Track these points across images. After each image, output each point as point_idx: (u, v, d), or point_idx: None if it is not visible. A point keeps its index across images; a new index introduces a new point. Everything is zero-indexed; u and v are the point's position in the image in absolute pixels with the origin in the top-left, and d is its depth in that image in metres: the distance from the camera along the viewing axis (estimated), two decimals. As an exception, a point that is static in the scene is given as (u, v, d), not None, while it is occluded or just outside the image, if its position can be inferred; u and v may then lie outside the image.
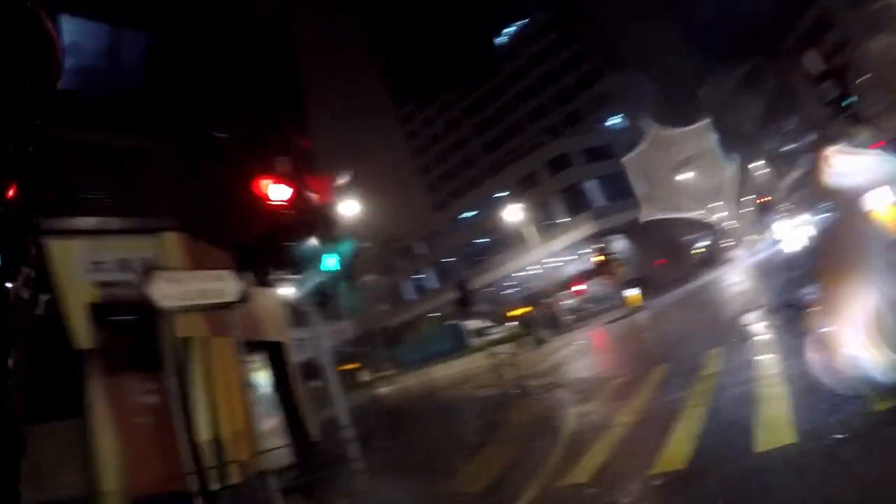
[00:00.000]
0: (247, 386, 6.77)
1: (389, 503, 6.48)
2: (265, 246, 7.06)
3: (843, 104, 10.49)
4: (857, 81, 32.99)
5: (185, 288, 5.99)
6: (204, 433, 6.11)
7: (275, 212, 7.63)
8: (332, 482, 6.85)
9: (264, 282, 8.48)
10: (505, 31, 79.46)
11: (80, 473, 5.69)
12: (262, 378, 8.20)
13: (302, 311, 9.52)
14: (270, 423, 7.65)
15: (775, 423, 4.97)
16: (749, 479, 4.17)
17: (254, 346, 7.41)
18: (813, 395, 5.24)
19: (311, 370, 9.40)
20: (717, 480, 4.43)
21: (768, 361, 7.33)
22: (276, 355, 8.42)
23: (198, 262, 6.92)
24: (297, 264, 8.84)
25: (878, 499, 3.28)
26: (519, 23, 78.02)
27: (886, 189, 5.70)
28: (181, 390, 5.96)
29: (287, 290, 9.51)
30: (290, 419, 7.88)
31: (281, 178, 7.68)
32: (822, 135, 41.72)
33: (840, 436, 4.15)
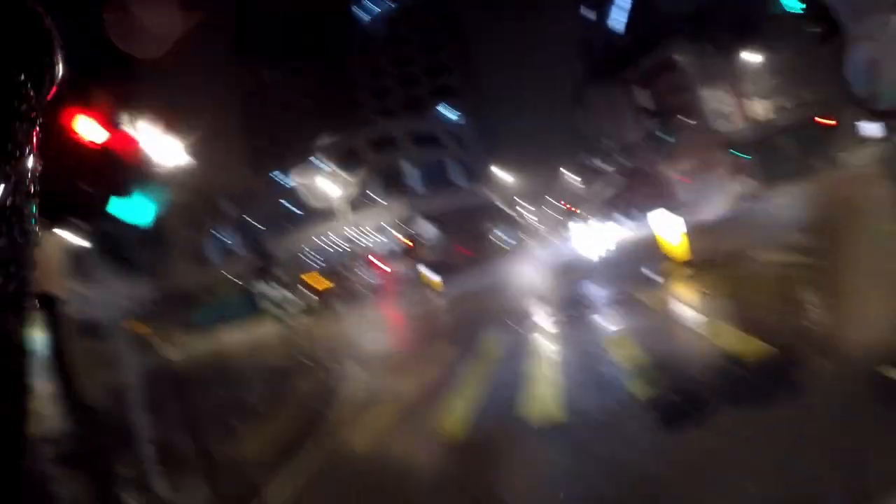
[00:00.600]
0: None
1: (172, 471, 6.17)
2: (64, 186, 6.22)
3: (659, 136, 12.10)
4: (674, 124, 38.28)
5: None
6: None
7: (83, 150, 6.74)
8: (112, 450, 6.32)
9: (52, 225, 7.45)
10: (368, 5, 77.64)
11: None
12: (36, 336, 7.21)
13: (90, 263, 8.53)
14: (44, 386, 6.77)
15: (548, 403, 5.64)
16: (519, 451, 4.80)
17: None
18: (584, 381, 6.09)
19: (94, 329, 8.47)
20: (490, 450, 5.03)
21: (547, 348, 8.24)
22: (51, 310, 7.45)
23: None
24: (97, 210, 7.89)
25: (623, 468, 3.87)
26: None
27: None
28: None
29: (75, 237, 8.43)
30: (62, 382, 7.04)
31: (94, 112, 6.80)
32: (635, 160, 47.55)
33: (601, 417, 4.86)
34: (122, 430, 5.90)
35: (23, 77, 0.67)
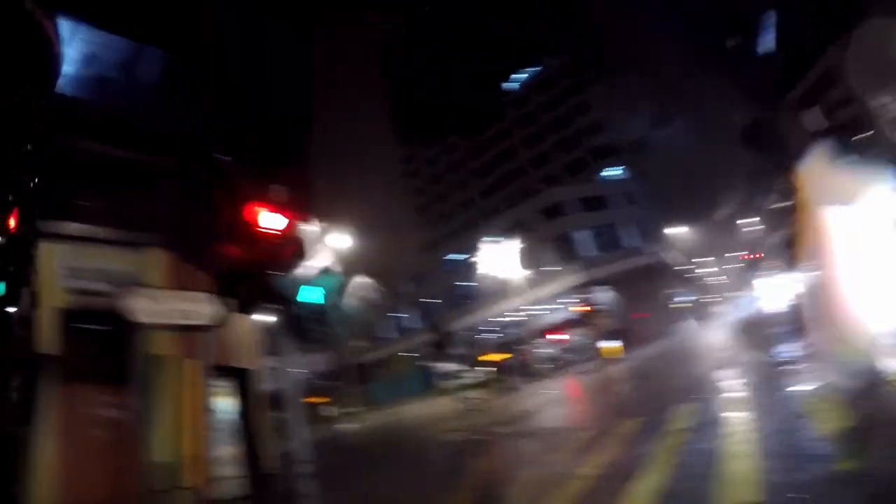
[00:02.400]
0: (209, 411, 6.72)
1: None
2: (249, 273, 7.11)
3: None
4: (852, 142, 34.28)
5: (161, 306, 6.00)
6: (159, 454, 6.03)
7: (263, 239, 7.69)
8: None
9: (243, 308, 8.49)
10: (515, 76, 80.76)
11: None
12: (227, 404, 8.12)
13: (276, 340, 9.49)
14: (229, 450, 7.54)
15: (741, 481, 5.02)
16: None
17: (222, 370, 7.37)
18: (780, 453, 5.33)
19: (277, 400, 9.32)
20: None
21: (740, 418, 7.40)
22: (243, 382, 8.37)
23: (179, 282, 6.95)
24: (279, 294, 8.86)
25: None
26: (531, 69, 79.43)
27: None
28: (144, 408, 5.91)
29: (265, 317, 9.50)
30: (248, 449, 7.78)
31: (274, 207, 7.77)
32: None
33: (804, 496, 4.22)
34: (294, 497, 6.28)
35: (24, 82, 0.80)
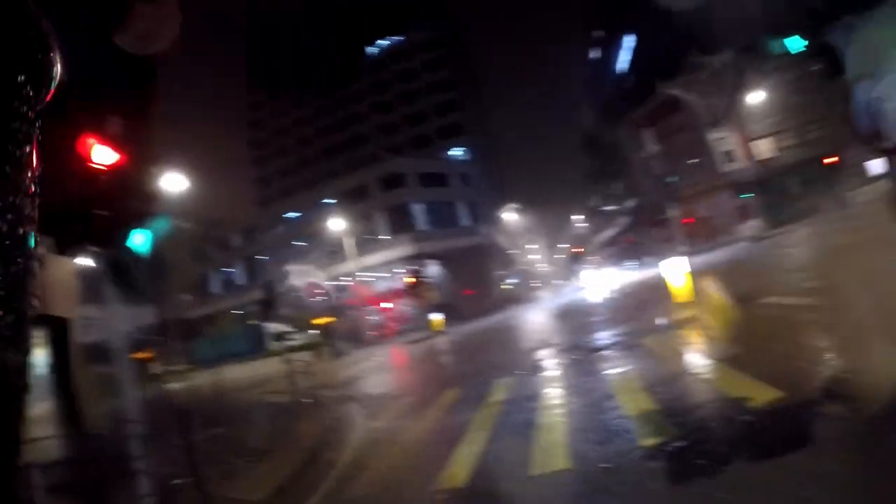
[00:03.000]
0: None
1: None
2: (74, 211, 6.30)
3: (665, 181, 12.24)
4: (680, 165, 38.76)
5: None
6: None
7: (94, 175, 6.84)
8: (107, 480, 6.20)
9: (61, 249, 7.51)
10: (378, 42, 79.24)
11: None
12: (39, 357, 7.17)
13: (97, 287, 8.54)
14: (41, 409, 6.70)
15: (553, 449, 5.50)
16: (521, 499, 4.61)
17: (35, 319, 6.49)
18: (588, 427, 5.95)
19: (97, 354, 8.44)
20: (492, 499, 4.85)
21: (553, 394, 8.04)
22: (58, 333, 7.44)
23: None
24: (105, 236, 7.96)
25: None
26: (393, 37, 78.38)
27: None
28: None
29: (84, 262, 8.48)
30: (65, 407, 6.97)
31: (109, 141, 6.93)
32: (642, 203, 47.89)
33: (607, 465, 4.68)
34: (120, 459, 5.80)
35: (22, 78, 0.69)
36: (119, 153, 7.20)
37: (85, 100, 7.50)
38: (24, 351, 0.62)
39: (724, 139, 41.54)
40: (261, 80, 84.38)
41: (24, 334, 0.62)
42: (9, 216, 0.61)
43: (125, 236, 8.22)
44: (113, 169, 7.21)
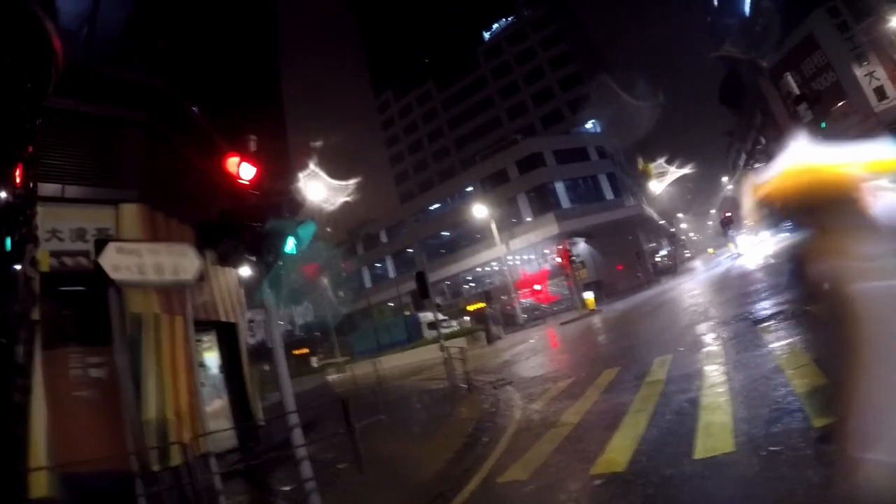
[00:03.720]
0: (196, 366, 6.66)
1: (329, 490, 6.49)
2: (228, 224, 6.94)
3: (820, 126, 10.89)
4: (833, 108, 34.45)
5: (140, 261, 5.84)
6: (149, 412, 5.98)
7: (241, 191, 7.49)
8: (275, 467, 6.80)
9: (223, 261, 8.32)
10: (493, 26, 79.12)
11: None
12: (212, 359, 8.05)
13: (256, 293, 9.37)
14: (216, 404, 7.53)
15: (716, 431, 5.11)
16: (686, 483, 4.28)
17: (206, 325, 7.28)
18: (754, 406, 5.45)
19: (260, 353, 9.28)
20: (655, 484, 4.54)
21: (715, 371, 7.50)
22: (227, 336, 8.29)
23: (157, 236, 6.78)
24: (259, 245, 8.69)
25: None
26: (506, 20, 77.86)
27: None
28: (129, 367, 5.82)
29: (244, 271, 9.35)
30: (236, 402, 7.77)
31: (250, 158, 7.54)
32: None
33: (775, 448, 4.28)
34: (286, 447, 6.31)
35: (24, 77, 0.69)
36: (260, 168, 7.84)
37: (222, 122, 8.24)
38: (22, 350, 0.63)
39: (872, 74, 35.87)
40: (384, 82, 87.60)
41: (21, 334, 0.63)
42: (7, 216, 0.62)
43: (278, 244, 8.95)
44: (257, 183, 7.87)
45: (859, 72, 36.33)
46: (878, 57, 35.59)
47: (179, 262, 6.25)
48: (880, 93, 35.75)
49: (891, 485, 3.06)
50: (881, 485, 3.10)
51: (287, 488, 6.53)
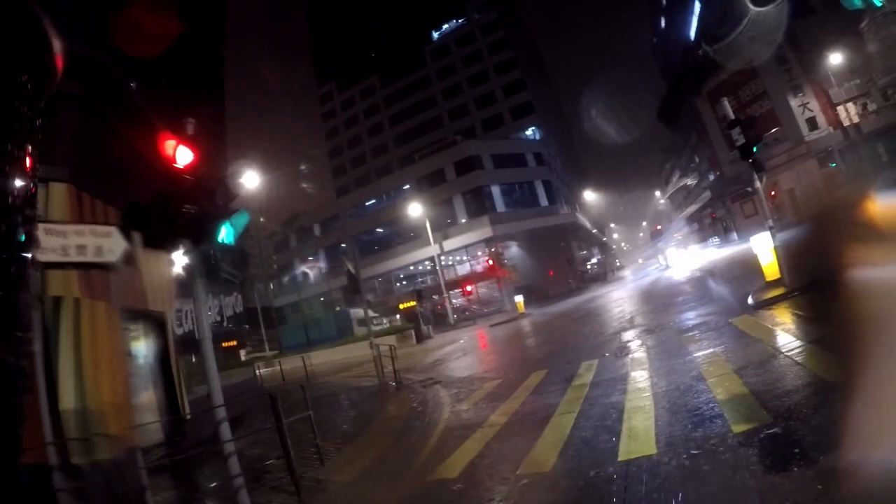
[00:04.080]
0: (124, 355, 6.35)
1: (258, 487, 6.36)
2: (160, 207, 6.65)
3: (752, 150, 11.46)
4: (766, 134, 36.38)
5: (65, 242, 5.51)
6: (69, 402, 5.65)
7: (176, 174, 7.20)
8: (202, 463, 6.59)
9: (153, 246, 7.96)
10: (443, 26, 79.16)
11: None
12: (140, 349, 7.70)
13: (185, 282, 9.04)
14: (143, 396, 7.20)
15: (639, 434, 5.34)
16: (609, 485, 4.44)
17: (134, 313, 6.95)
18: (677, 412, 5.71)
19: (188, 344, 8.94)
20: (579, 485, 4.71)
21: (639, 377, 7.80)
22: (156, 326, 7.94)
23: (84, 218, 6.41)
24: (191, 231, 8.38)
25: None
26: (456, 21, 78.12)
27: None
28: (45, 353, 5.48)
29: (175, 258, 8.98)
30: (163, 394, 7.45)
31: (187, 141, 7.26)
32: (723, 176, 45.57)
33: (696, 451, 4.50)
34: (213, 442, 6.12)
35: (23, 78, 0.67)
36: (197, 152, 7.56)
37: (160, 103, 7.90)
38: (20, 350, 0.61)
39: (806, 105, 38.53)
40: (329, 72, 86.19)
41: (18, 333, 0.61)
42: (7, 216, 0.60)
43: (211, 231, 8.65)
44: (194, 167, 7.58)
45: (794, 102, 38.80)
46: (813, 90, 38.12)
47: (104, 243, 5.94)
48: (812, 123, 38.31)
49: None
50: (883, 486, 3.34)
51: (215, 484, 6.34)
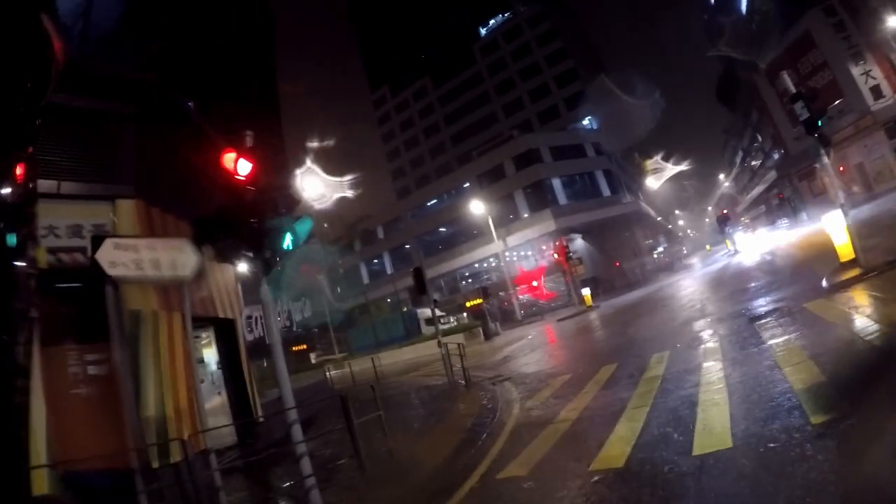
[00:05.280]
0: (194, 363, 6.63)
1: (327, 486, 6.48)
2: (225, 220, 6.91)
3: (817, 124, 10.83)
4: (829, 106, 34.36)
5: (137, 256, 5.79)
6: (147, 409, 5.95)
7: (238, 186, 7.45)
8: (274, 464, 6.78)
9: (221, 257, 8.29)
10: (489, 22, 78.99)
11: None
12: (210, 355, 8.02)
13: (254, 289, 9.34)
14: (216, 401, 7.50)
15: (714, 428, 5.12)
16: (684, 480, 4.29)
17: (204, 321, 7.24)
18: (752, 403, 5.44)
19: (258, 349, 9.25)
20: (653, 480, 4.54)
21: (712, 368, 7.50)
22: (226, 332, 8.25)
23: (154, 232, 6.74)
24: (256, 241, 8.66)
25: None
26: (502, 16, 77.75)
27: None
28: (128, 364, 5.78)
29: (242, 267, 9.30)
30: (235, 398, 7.74)
31: (246, 154, 7.49)
32: (787, 154, 43.40)
33: (773, 445, 4.28)
34: (285, 443, 6.29)
35: (24, 79, 0.67)
36: (257, 164, 7.80)
37: (218, 118, 8.18)
38: (19, 340, 0.60)
39: (868, 73, 35.89)
40: (381, 77, 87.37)
41: (17, 325, 0.61)
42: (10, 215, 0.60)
43: (275, 240, 8.92)
44: (254, 178, 7.82)
45: (856, 71, 36.37)
46: (875, 56, 35.63)
47: (177, 257, 6.21)
48: (876, 92, 35.74)
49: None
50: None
51: (287, 485, 6.51)
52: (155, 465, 5.70)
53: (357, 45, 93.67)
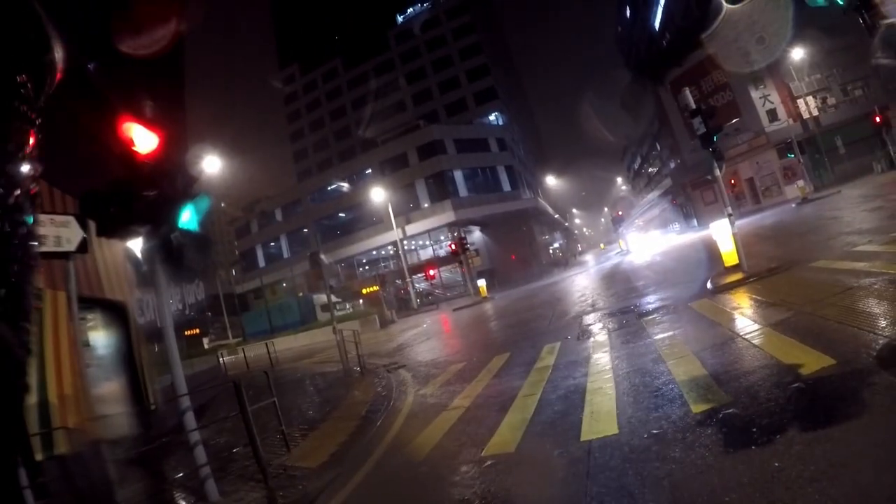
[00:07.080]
0: (81, 346, 6.20)
1: (224, 475, 6.32)
2: (119, 194, 6.48)
3: (713, 139, 11.76)
4: (726, 124, 37.23)
5: (16, 230, 5.31)
6: (32, 397, 5.50)
7: (135, 159, 7.00)
8: (169, 453, 6.51)
9: (109, 234, 7.74)
10: (408, 10, 78.08)
11: None
12: (99, 338, 7.50)
13: (146, 270, 8.82)
14: (106, 387, 7.04)
15: (601, 416, 5.47)
16: (572, 465, 4.56)
17: (91, 302, 6.77)
18: (638, 393, 5.88)
19: (151, 333, 8.76)
20: (543, 464, 4.82)
21: (601, 360, 7.97)
22: (117, 315, 7.74)
23: (44, 208, 6.22)
24: (151, 217, 8.17)
25: (681, 489, 3.61)
26: (421, 5, 77.17)
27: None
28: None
29: (134, 246, 8.76)
30: (128, 384, 7.29)
31: (147, 124, 7.05)
32: (683, 164, 46.50)
33: (657, 431, 4.65)
34: (178, 432, 6.06)
35: (22, 77, 0.67)
36: (157, 135, 7.36)
37: (119, 85, 7.61)
38: (20, 325, 0.62)
39: (767, 97, 39.68)
40: (292, 55, 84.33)
41: (20, 308, 0.62)
42: (8, 215, 0.61)
43: (172, 215, 8.46)
44: (153, 151, 7.38)
45: (755, 94, 39.83)
46: (774, 82, 39.16)
47: (61, 232, 5.80)
48: (772, 115, 39.42)
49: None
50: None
51: (181, 475, 6.27)
52: (39, 456, 5.29)
53: (271, 18, 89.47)
